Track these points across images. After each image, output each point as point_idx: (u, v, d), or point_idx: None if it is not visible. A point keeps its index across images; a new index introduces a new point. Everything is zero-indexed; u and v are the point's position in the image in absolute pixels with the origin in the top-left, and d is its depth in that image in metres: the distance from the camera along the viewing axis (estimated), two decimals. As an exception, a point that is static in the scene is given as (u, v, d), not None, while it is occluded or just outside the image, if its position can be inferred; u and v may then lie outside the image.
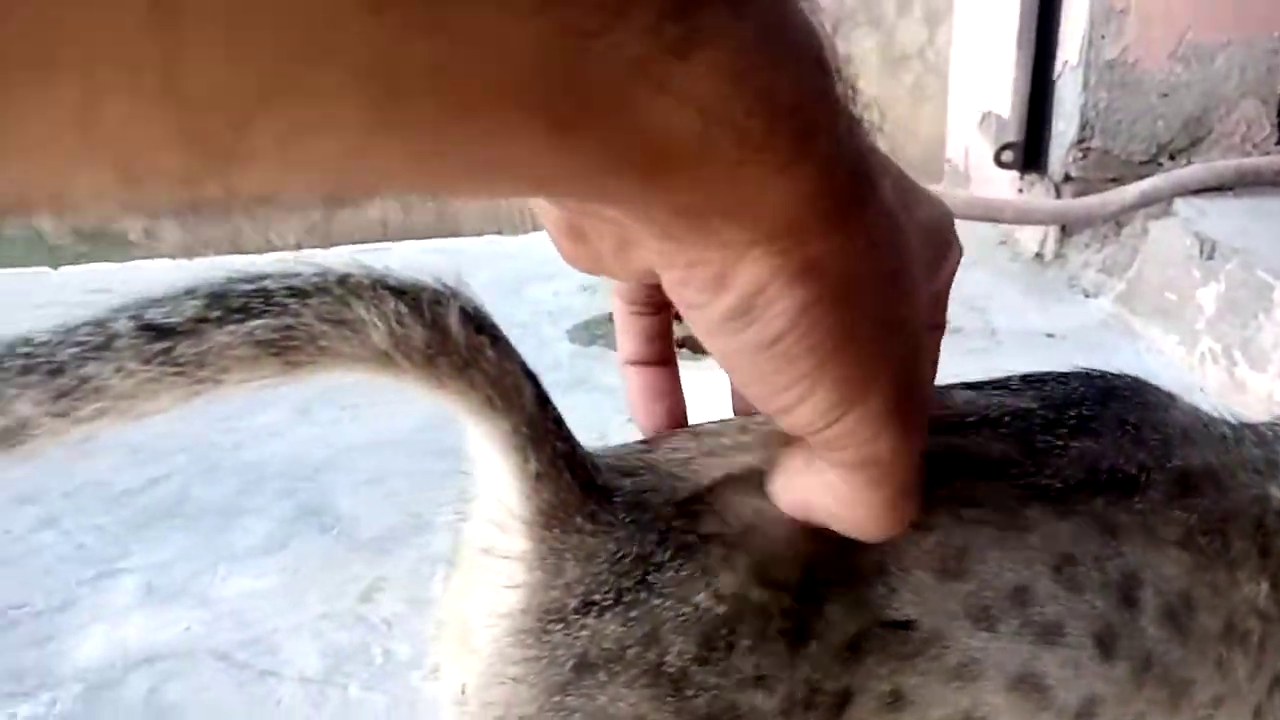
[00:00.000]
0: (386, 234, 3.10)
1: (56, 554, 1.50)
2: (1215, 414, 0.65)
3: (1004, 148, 2.40)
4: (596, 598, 0.47)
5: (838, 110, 0.29)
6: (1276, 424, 0.71)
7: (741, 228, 0.28)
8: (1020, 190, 2.46)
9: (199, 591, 1.41)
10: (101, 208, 0.23)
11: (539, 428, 0.46)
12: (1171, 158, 2.29)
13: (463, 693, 0.48)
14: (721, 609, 0.48)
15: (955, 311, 2.35)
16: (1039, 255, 2.49)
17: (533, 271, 2.35)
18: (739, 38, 0.24)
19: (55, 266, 2.70)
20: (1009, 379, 0.61)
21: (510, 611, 0.47)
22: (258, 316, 0.34)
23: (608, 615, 0.47)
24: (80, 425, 0.33)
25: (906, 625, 0.52)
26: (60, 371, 0.32)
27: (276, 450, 1.74)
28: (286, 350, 0.34)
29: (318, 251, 2.85)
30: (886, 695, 0.53)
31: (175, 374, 0.33)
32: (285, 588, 1.41)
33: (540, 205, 0.36)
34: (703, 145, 0.25)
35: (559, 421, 0.47)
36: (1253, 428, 0.68)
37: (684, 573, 0.48)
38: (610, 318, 0.56)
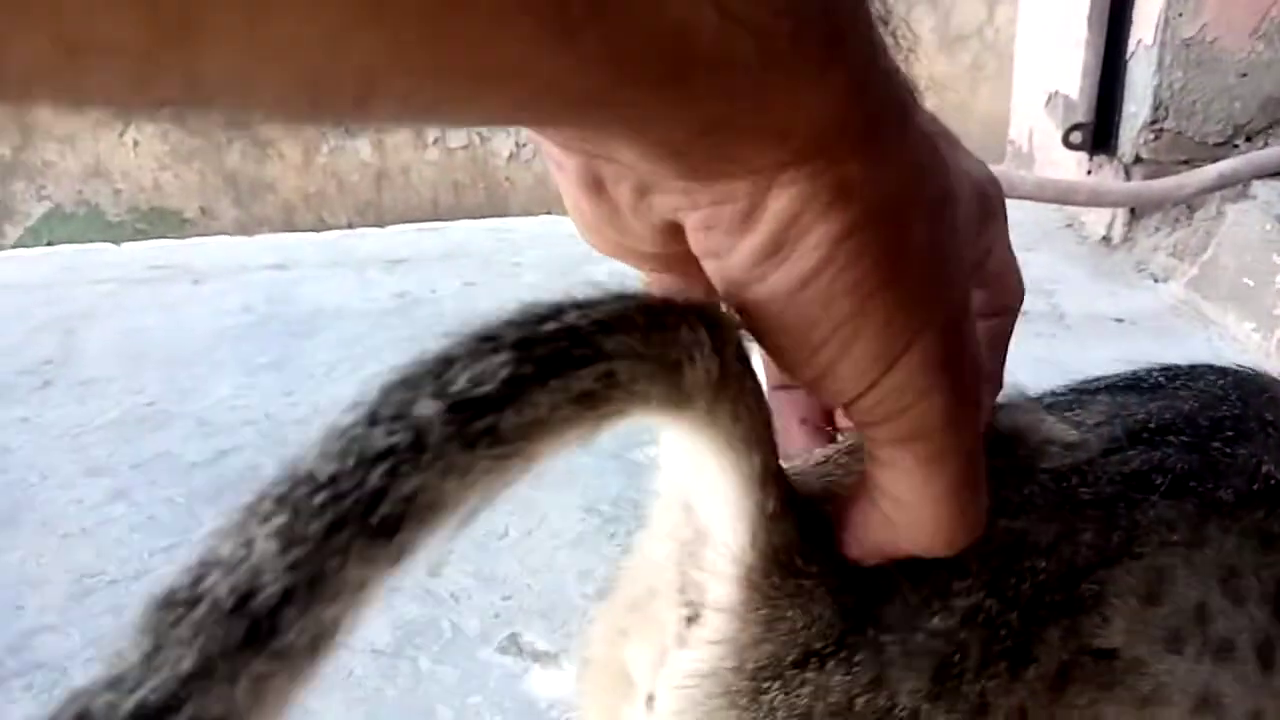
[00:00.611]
0: (437, 213, 3.10)
1: (128, 524, 1.52)
2: None
3: (1073, 128, 2.34)
4: (818, 646, 0.41)
5: (871, 21, 0.26)
6: None
7: (769, 148, 0.25)
8: (1089, 172, 2.40)
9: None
10: (45, 90, 0.19)
11: (776, 464, 0.38)
12: (1248, 139, 2.22)
13: None
14: (950, 627, 0.43)
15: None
16: (1106, 238, 2.43)
17: (587, 252, 2.33)
18: None
19: (117, 243, 2.73)
20: (1138, 375, 0.58)
21: (714, 671, 0.41)
22: (576, 365, 0.27)
23: (830, 664, 0.41)
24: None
25: (1111, 655, 0.50)
26: (378, 501, 0.24)
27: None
28: (602, 404, 0.27)
29: (370, 230, 2.86)
30: None
31: (501, 456, 0.25)
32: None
33: (558, 166, 0.32)
34: (722, 46, 0.22)
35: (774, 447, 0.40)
36: None
37: (911, 597, 0.43)
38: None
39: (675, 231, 0.30)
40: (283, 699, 0.23)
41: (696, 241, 0.29)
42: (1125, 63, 2.28)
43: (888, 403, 0.30)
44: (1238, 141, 2.23)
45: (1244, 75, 2.17)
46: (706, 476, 0.36)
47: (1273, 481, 0.53)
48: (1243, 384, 0.58)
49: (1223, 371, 0.59)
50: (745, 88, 0.24)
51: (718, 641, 0.41)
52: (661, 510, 0.43)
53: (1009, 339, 0.42)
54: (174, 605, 0.24)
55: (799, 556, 0.40)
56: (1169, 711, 0.50)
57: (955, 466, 0.32)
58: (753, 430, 0.34)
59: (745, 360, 0.32)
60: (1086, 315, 2.18)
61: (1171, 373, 0.59)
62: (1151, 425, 0.52)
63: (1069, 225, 2.52)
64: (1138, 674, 0.49)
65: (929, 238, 0.28)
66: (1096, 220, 2.46)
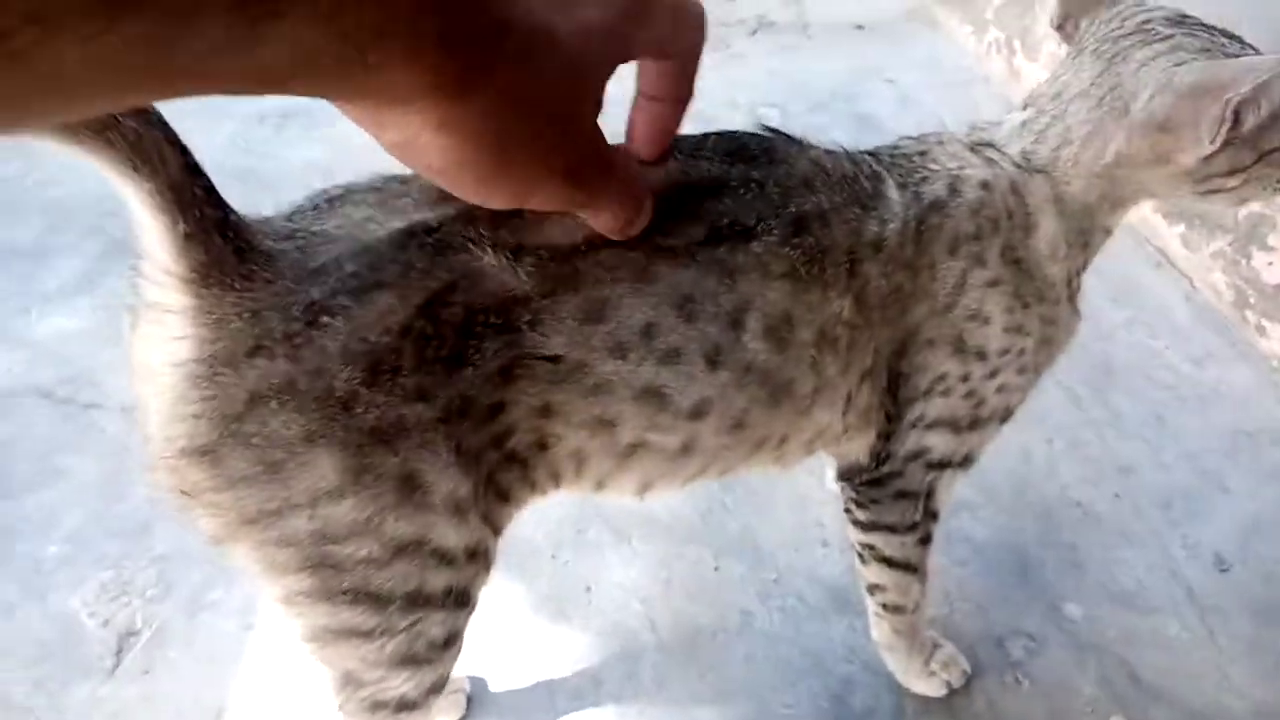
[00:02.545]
0: None
1: None
2: (842, 152, 0.75)
3: None
4: (266, 343, 0.55)
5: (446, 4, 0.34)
6: (898, 146, 0.82)
7: (392, 102, 0.36)
8: None
9: (15, 334, 1.45)
10: None
11: (185, 193, 0.52)
12: None
13: (151, 428, 0.58)
14: (389, 340, 0.58)
15: (771, 6, 2.33)
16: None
17: None
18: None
19: None
20: (693, 138, 0.69)
21: (182, 360, 0.55)
22: None
23: (278, 357, 0.55)
24: None
25: (555, 359, 0.64)
26: None
27: (81, 187, 1.70)
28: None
29: None
30: (537, 408, 0.66)
31: None
32: (100, 325, 1.45)
33: None
34: (323, 63, 0.31)
35: (210, 190, 0.53)
36: (875, 157, 0.79)
37: (356, 314, 0.57)
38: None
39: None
40: None
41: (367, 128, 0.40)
42: None
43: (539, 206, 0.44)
44: None
45: None
46: (129, 203, 0.52)
47: (738, 227, 0.67)
48: (739, 151, 0.70)
49: (729, 137, 0.71)
50: (355, 79, 0.33)
51: (180, 338, 0.55)
52: None
53: (694, 73, 0.51)
54: None
55: (236, 275, 0.55)
56: (613, 399, 0.67)
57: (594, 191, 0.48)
58: (138, 160, 0.49)
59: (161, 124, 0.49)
60: (830, 23, 2.26)
61: (716, 135, 0.71)
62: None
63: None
64: (581, 372, 0.65)
65: (531, 131, 0.39)
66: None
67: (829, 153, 0.75)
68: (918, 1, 2.32)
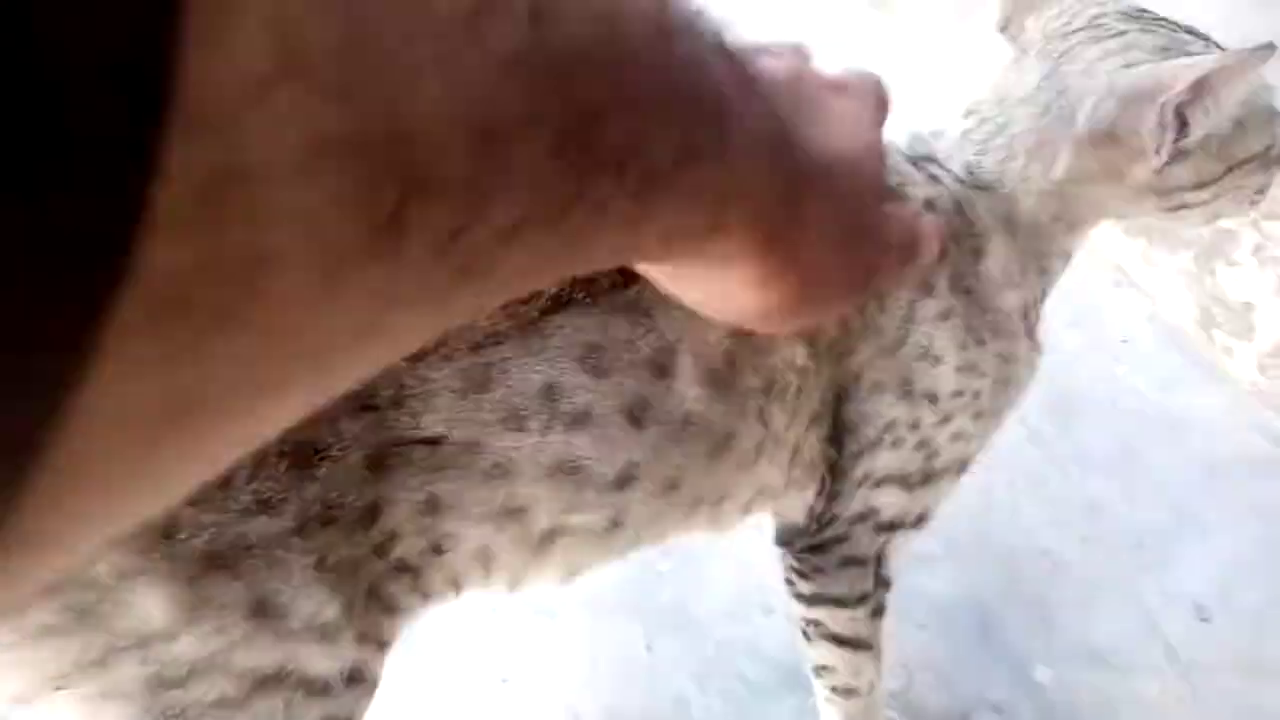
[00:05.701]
0: None
1: None
2: None
3: None
4: None
5: (760, 186, 0.32)
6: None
7: (709, 263, 0.34)
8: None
9: None
10: None
11: None
12: None
13: None
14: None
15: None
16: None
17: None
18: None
19: None
20: None
21: None
22: None
23: None
24: None
25: (434, 441, 0.53)
26: None
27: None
28: None
29: None
30: (420, 504, 0.54)
31: None
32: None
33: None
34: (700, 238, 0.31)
35: None
36: None
37: None
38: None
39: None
40: None
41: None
42: None
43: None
44: None
45: None
46: None
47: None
48: None
49: None
50: (692, 253, 0.32)
51: None
52: None
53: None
54: None
55: None
56: (518, 480, 0.56)
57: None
58: None
59: None
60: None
61: None
62: None
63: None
64: (472, 454, 0.54)
65: (838, 260, 0.38)
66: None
67: None
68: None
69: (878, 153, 0.41)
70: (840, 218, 0.38)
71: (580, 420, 0.56)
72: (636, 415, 0.57)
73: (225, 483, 0.48)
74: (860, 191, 0.40)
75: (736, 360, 0.60)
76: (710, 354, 0.58)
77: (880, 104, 0.45)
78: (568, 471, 0.57)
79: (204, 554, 0.48)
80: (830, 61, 0.45)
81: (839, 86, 0.42)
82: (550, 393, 0.55)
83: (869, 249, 0.42)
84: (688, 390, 0.58)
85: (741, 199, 0.32)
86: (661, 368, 0.57)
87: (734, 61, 0.31)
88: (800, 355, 0.63)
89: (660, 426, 0.58)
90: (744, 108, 0.31)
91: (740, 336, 0.59)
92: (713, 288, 0.37)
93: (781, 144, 0.35)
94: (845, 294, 0.41)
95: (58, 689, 0.48)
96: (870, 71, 0.46)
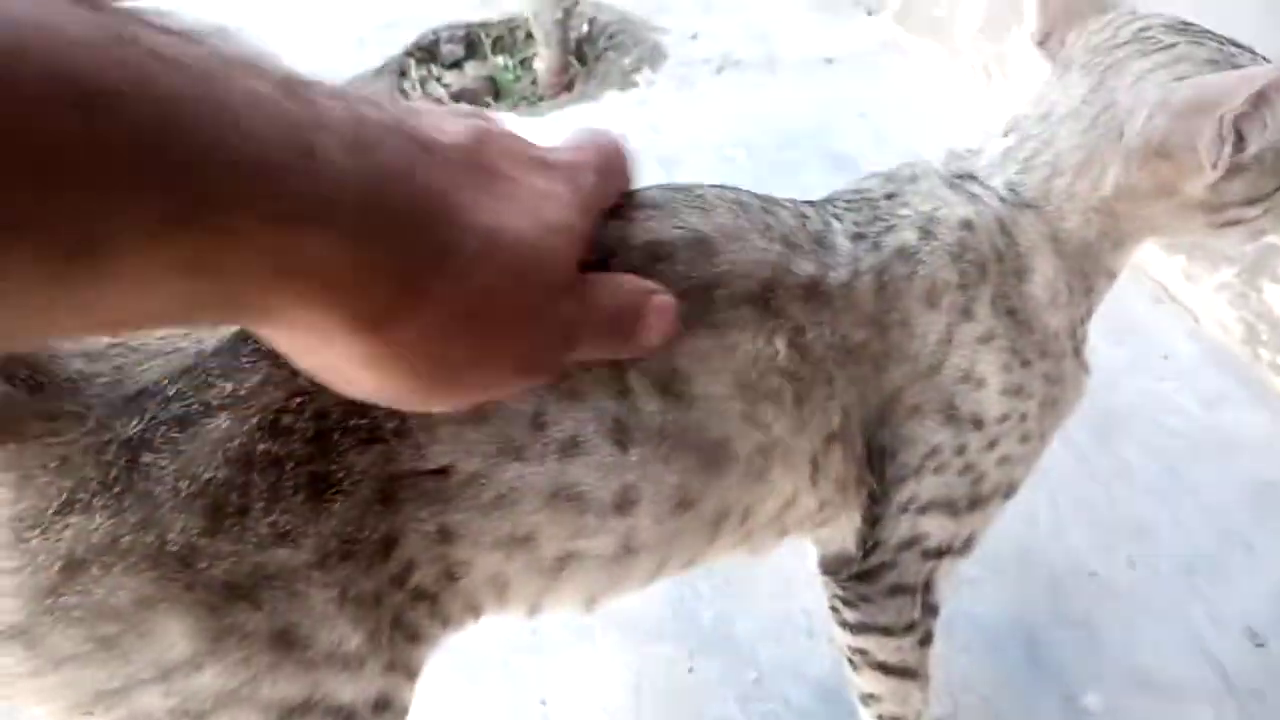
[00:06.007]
0: None
1: None
2: (779, 200, 0.65)
3: None
4: (79, 496, 0.45)
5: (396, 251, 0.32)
6: (861, 190, 0.71)
7: (307, 333, 0.33)
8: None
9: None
10: None
11: None
12: None
13: None
14: (227, 474, 0.47)
15: (736, 43, 2.25)
16: (824, -28, 2.39)
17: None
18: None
19: None
20: None
21: None
22: None
23: (96, 511, 0.45)
24: None
25: (442, 472, 0.53)
26: None
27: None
28: None
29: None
30: (433, 534, 0.54)
31: None
32: None
33: None
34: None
35: None
36: (826, 206, 0.68)
37: (183, 446, 0.47)
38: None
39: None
40: None
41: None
42: None
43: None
44: None
45: None
46: None
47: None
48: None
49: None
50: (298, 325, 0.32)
51: None
52: None
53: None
54: None
55: (34, 419, 0.45)
56: (521, 509, 0.55)
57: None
58: None
59: None
60: (797, 60, 2.18)
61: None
62: None
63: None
64: (477, 485, 0.53)
65: (468, 346, 0.36)
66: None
67: (760, 196, 0.64)
68: (889, 32, 2.24)
69: (567, 233, 0.38)
70: (487, 298, 0.35)
71: (570, 447, 0.55)
72: (619, 437, 0.56)
73: (243, 510, 0.48)
74: (524, 272, 0.36)
75: (677, 369, 0.57)
76: (653, 366, 0.56)
77: (602, 182, 0.42)
78: (566, 498, 0.56)
79: (224, 583, 0.48)
80: (555, 133, 0.42)
81: (537, 162, 0.39)
82: (538, 421, 0.54)
83: (535, 331, 0.38)
84: (647, 405, 0.57)
85: (297, 275, 0.30)
86: (621, 387, 0.56)
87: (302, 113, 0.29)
88: (781, 355, 0.60)
89: (643, 446, 0.57)
90: (312, 181, 0.29)
91: (676, 343, 0.55)
92: (316, 360, 0.34)
93: (401, 214, 0.32)
94: (502, 378, 0.38)
95: (85, 715, 0.48)
96: (610, 145, 0.44)
